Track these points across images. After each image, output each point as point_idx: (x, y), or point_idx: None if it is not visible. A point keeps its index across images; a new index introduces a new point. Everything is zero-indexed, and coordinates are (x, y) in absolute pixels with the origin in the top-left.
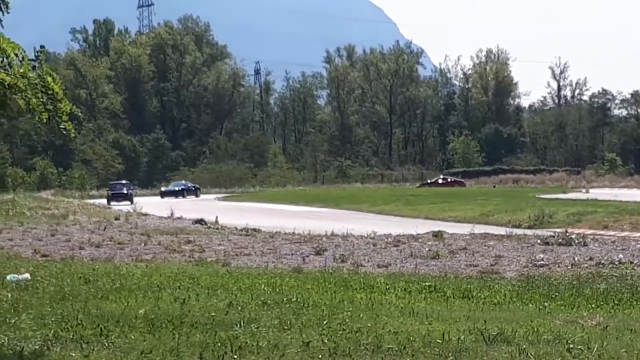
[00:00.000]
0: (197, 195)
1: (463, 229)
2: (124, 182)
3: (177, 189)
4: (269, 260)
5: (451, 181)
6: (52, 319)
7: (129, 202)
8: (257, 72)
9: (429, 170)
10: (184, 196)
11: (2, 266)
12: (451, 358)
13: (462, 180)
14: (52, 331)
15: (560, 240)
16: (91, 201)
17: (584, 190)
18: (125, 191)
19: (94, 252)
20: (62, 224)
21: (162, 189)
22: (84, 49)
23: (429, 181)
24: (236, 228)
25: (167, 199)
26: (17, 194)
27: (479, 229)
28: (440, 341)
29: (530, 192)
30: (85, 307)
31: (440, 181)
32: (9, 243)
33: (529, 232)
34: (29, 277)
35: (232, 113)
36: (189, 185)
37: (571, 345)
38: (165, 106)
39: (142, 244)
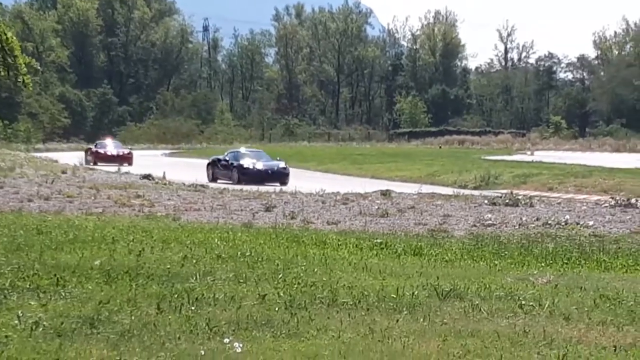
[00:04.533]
0: None
1: (410, 188)
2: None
3: None
4: (219, 216)
5: None
6: (8, 269)
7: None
8: (205, 28)
9: (376, 129)
10: None
11: None
12: (405, 312)
13: None
14: (9, 280)
15: (507, 201)
16: (37, 154)
17: (529, 153)
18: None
19: (43, 205)
20: (9, 176)
21: None
22: (31, 2)
23: None
24: (184, 184)
25: None
26: None
27: (426, 188)
28: (394, 296)
29: (475, 153)
30: (41, 257)
31: None
32: None
33: (475, 192)
34: None
35: (179, 69)
36: None
37: (523, 302)
38: (112, 61)
39: (92, 198)
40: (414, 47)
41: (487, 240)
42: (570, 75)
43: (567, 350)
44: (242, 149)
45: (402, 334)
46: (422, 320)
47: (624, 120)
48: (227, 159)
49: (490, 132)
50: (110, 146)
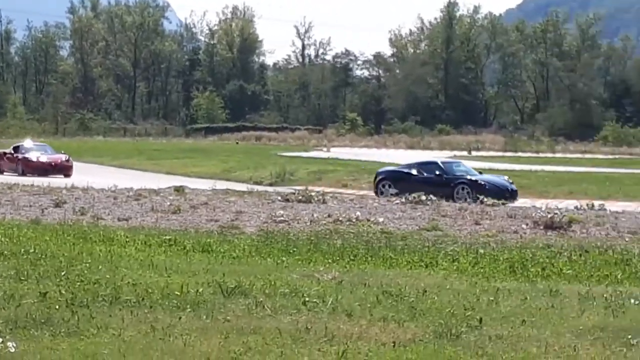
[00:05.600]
0: None
1: (205, 184)
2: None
3: None
4: (6, 212)
5: None
6: None
7: None
8: None
9: (173, 125)
10: None
11: None
12: (189, 310)
13: None
14: None
15: (300, 198)
16: None
17: (325, 149)
18: None
19: None
20: None
21: None
22: None
23: None
24: None
25: None
26: None
27: (221, 185)
28: (178, 293)
29: (272, 149)
30: None
31: None
32: None
33: (270, 189)
34: None
35: None
36: None
37: (307, 298)
38: None
39: None
40: (212, 42)
41: (277, 237)
42: (366, 73)
43: (347, 346)
44: (440, 160)
45: (184, 332)
46: (205, 317)
47: (418, 117)
48: (437, 172)
49: (287, 128)
50: (36, 150)
